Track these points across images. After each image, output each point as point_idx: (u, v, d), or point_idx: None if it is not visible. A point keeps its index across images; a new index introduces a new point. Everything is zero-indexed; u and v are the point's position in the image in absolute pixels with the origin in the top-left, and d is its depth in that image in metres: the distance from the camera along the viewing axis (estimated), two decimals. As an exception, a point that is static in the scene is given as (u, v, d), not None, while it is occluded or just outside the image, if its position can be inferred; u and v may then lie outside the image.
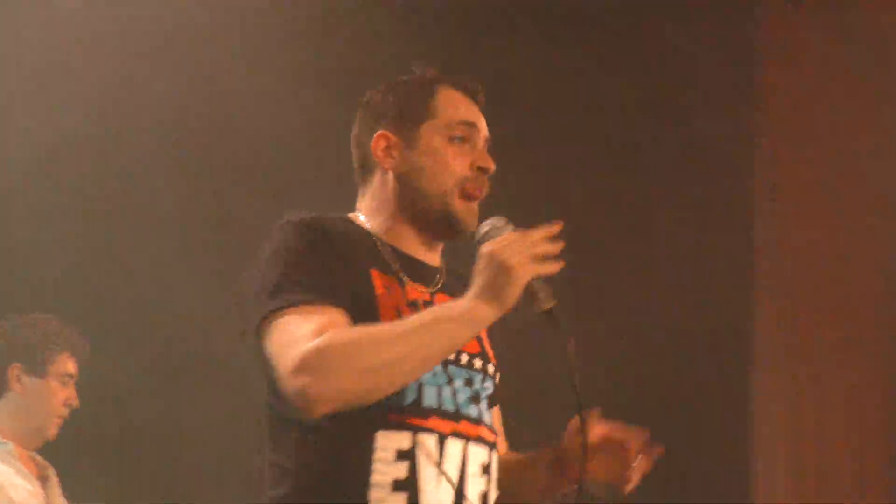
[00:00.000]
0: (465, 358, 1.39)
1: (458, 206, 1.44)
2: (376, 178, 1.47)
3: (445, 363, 1.35)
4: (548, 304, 1.32)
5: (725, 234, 3.39)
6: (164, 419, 3.32)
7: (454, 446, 1.35)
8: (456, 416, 1.36)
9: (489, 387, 1.43)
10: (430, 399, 1.33)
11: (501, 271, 1.26)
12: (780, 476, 3.33)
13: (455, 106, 1.48)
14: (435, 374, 1.33)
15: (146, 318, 3.34)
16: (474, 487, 1.36)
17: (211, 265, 3.27)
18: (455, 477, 1.34)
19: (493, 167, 1.45)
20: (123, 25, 3.32)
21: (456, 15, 3.41)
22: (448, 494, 1.33)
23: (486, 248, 1.29)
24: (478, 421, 1.38)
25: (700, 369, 3.19)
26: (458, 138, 1.46)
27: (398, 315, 1.33)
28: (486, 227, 1.39)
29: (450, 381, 1.36)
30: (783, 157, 3.44)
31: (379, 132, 1.46)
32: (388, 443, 1.31)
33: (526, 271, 1.27)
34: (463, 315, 1.28)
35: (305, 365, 1.22)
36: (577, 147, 3.48)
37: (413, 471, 1.32)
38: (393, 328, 1.28)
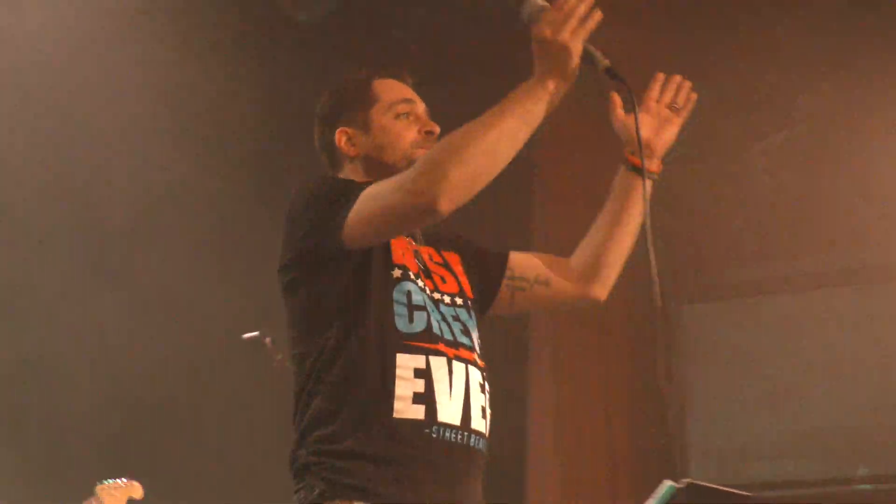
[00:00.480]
0: (447, 299, 1.73)
1: (415, 152, 1.78)
2: (347, 168, 1.83)
3: (437, 303, 1.69)
4: (605, 61, 1.64)
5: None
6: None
7: (458, 367, 1.68)
8: (455, 343, 1.70)
9: (473, 319, 1.76)
10: (436, 329, 1.66)
11: (558, 48, 1.55)
12: (550, 454, 4.51)
13: (391, 89, 1.84)
14: (432, 312, 1.67)
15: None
16: (476, 401, 1.69)
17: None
18: (461, 392, 1.68)
19: (437, 129, 1.80)
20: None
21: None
22: (458, 406, 1.67)
23: (537, 33, 1.57)
24: (471, 349, 1.73)
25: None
26: (402, 115, 1.82)
27: (410, 246, 1.73)
28: (527, 8, 1.61)
29: (443, 317, 1.69)
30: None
31: (338, 129, 1.83)
32: (406, 362, 1.64)
33: (577, 41, 1.55)
34: (537, 92, 1.56)
35: (421, 173, 1.54)
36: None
37: (429, 386, 1.65)
38: (480, 119, 1.55)
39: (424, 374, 1.64)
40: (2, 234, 4.27)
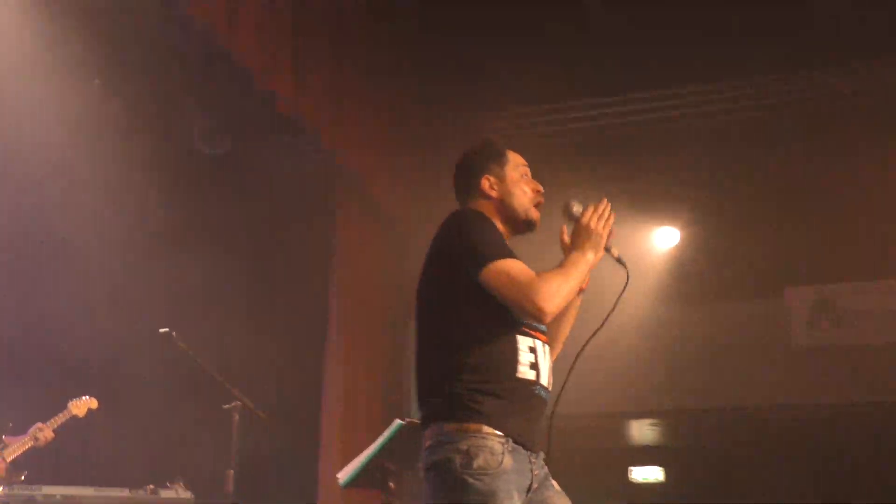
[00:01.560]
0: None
1: (534, 214, 2.52)
2: (480, 202, 2.48)
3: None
4: (616, 251, 2.43)
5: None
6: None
7: (544, 347, 2.36)
8: (543, 331, 2.38)
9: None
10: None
11: (595, 236, 2.35)
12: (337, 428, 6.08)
13: (516, 156, 2.55)
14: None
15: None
16: (548, 368, 2.36)
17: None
18: (546, 363, 2.35)
19: (542, 188, 2.53)
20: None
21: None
22: (546, 372, 2.34)
23: (584, 223, 2.37)
24: (545, 334, 2.40)
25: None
26: (524, 175, 2.52)
27: None
28: (575, 206, 2.43)
29: None
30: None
31: (484, 176, 2.50)
32: (523, 342, 2.29)
33: (604, 234, 2.37)
34: (587, 262, 2.33)
35: (546, 297, 2.20)
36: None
37: (536, 358, 2.31)
38: (565, 272, 2.29)
39: (533, 350, 2.28)
40: None
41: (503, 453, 2.15)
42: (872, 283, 6.71)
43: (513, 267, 2.23)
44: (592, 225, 2.33)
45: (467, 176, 2.51)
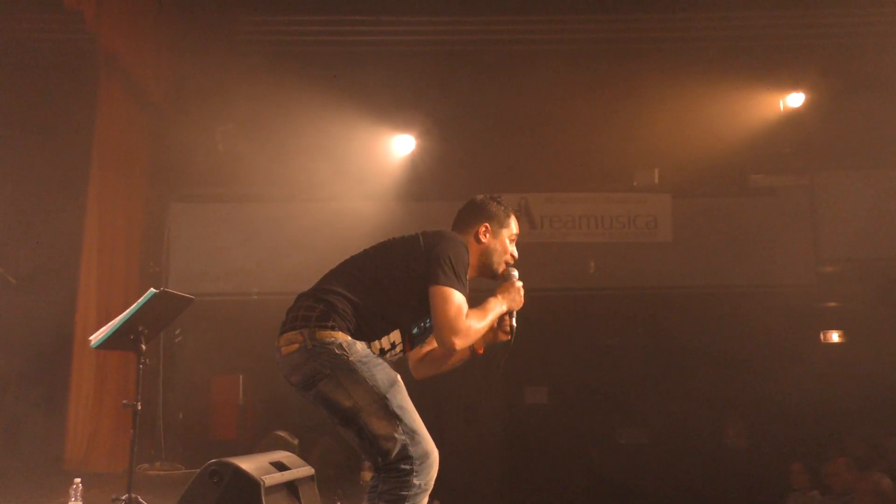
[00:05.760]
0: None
1: (501, 270, 3.03)
2: (470, 241, 2.98)
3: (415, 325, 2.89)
4: (513, 321, 3.00)
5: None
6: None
7: (397, 350, 2.87)
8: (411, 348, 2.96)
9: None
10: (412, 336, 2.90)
11: (514, 298, 2.93)
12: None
13: (514, 223, 3.08)
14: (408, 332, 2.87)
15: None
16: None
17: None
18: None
19: (516, 256, 3.07)
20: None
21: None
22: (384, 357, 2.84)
23: (515, 286, 2.96)
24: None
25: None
26: (511, 242, 3.05)
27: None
28: (514, 272, 3.00)
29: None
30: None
31: (485, 223, 3.02)
32: (394, 335, 2.80)
33: (518, 302, 2.95)
34: (500, 310, 2.89)
35: (460, 336, 2.71)
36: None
37: (388, 351, 2.83)
38: (483, 315, 2.82)
39: (393, 346, 2.82)
40: None
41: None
42: (562, 194, 8.16)
43: (456, 300, 2.72)
44: (516, 291, 2.95)
45: (473, 214, 3.05)
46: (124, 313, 4.07)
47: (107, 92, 6.74)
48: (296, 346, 2.67)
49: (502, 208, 3.06)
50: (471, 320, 2.74)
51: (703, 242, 8.45)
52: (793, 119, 8.34)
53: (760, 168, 8.68)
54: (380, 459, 2.63)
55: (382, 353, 2.79)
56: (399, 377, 2.76)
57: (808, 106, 8.29)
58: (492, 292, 2.96)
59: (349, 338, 2.68)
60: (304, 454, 5.72)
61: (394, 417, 2.63)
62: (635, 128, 7.84)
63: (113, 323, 4.08)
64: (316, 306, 2.70)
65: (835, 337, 8.81)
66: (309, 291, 2.80)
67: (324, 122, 7.16)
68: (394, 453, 2.61)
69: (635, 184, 8.41)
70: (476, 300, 2.87)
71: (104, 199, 6.73)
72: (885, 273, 8.24)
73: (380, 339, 2.77)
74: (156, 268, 7.67)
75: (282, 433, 6.51)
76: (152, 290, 4.07)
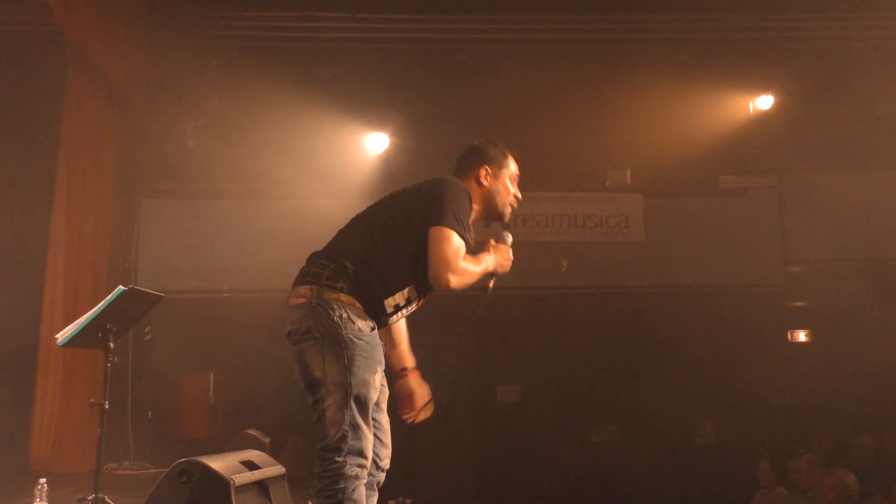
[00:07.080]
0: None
1: (507, 211, 3.01)
2: (472, 185, 2.93)
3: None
4: (493, 284, 2.94)
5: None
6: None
7: (411, 307, 2.88)
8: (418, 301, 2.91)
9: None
10: (419, 289, 2.84)
11: (505, 261, 2.91)
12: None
13: (513, 166, 3.02)
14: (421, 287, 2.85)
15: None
16: (400, 317, 2.90)
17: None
18: (401, 317, 2.92)
19: (520, 196, 3.03)
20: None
21: None
22: (399, 319, 2.92)
23: (509, 250, 2.95)
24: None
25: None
26: (513, 180, 3.00)
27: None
28: (509, 238, 2.98)
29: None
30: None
31: (484, 166, 2.96)
32: (410, 292, 2.79)
33: (506, 267, 2.92)
34: (489, 268, 2.85)
35: (457, 274, 2.68)
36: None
37: (401, 308, 2.82)
38: (478, 263, 2.78)
39: (409, 302, 2.82)
40: None
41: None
42: (534, 193, 8.18)
43: (455, 240, 2.68)
44: (507, 256, 2.94)
45: (472, 158, 2.98)
46: (92, 310, 4.04)
47: (75, 86, 6.66)
48: (303, 300, 2.68)
49: (500, 150, 3.03)
50: (467, 262, 2.73)
51: (675, 242, 8.54)
52: (762, 121, 8.48)
53: (730, 169, 8.79)
54: (320, 441, 2.64)
55: (398, 308, 2.79)
56: (379, 373, 2.74)
57: (776, 108, 8.42)
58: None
59: (357, 304, 2.69)
60: (275, 453, 5.70)
61: (346, 407, 2.62)
62: (607, 128, 7.90)
63: (80, 320, 4.05)
64: (328, 265, 2.71)
65: (802, 336, 8.93)
66: (321, 251, 2.81)
67: (295, 120, 7.13)
68: (332, 441, 2.60)
69: (608, 183, 8.47)
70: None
71: (72, 194, 6.64)
72: (851, 273, 8.33)
73: (393, 294, 2.76)
74: (125, 264, 7.60)
75: (253, 432, 6.47)
76: (121, 287, 4.02)
